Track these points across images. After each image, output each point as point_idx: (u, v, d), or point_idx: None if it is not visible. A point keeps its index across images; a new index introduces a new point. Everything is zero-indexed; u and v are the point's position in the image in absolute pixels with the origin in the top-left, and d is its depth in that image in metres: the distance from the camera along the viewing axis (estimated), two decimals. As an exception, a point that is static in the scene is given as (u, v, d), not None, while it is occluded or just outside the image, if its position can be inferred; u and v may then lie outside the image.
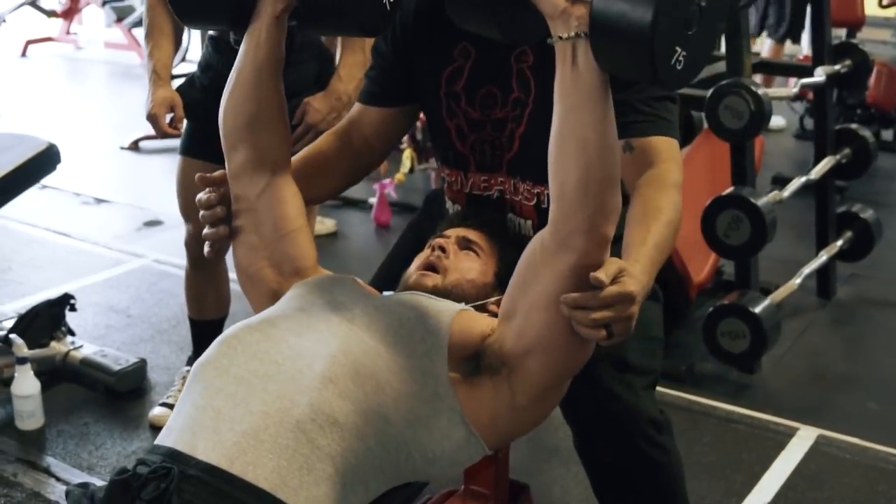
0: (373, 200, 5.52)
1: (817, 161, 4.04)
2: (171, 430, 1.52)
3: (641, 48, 1.33)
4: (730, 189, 3.39)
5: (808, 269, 3.86)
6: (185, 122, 2.86)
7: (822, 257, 4.02)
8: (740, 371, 3.56)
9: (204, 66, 2.86)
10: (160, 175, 5.82)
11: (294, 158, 1.98)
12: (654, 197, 1.75)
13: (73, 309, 3.52)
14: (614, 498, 2.11)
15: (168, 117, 2.80)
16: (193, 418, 1.50)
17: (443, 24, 1.90)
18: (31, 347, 3.31)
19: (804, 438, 3.13)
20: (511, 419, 1.64)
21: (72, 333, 3.54)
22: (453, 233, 1.90)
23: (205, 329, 3.12)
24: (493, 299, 1.82)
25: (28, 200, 5.44)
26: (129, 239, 4.92)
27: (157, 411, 3.16)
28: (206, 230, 1.82)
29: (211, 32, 2.81)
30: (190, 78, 2.92)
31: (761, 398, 3.42)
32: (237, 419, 1.46)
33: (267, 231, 1.78)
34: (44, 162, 3.29)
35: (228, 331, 1.64)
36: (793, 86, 3.61)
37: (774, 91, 3.38)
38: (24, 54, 10.16)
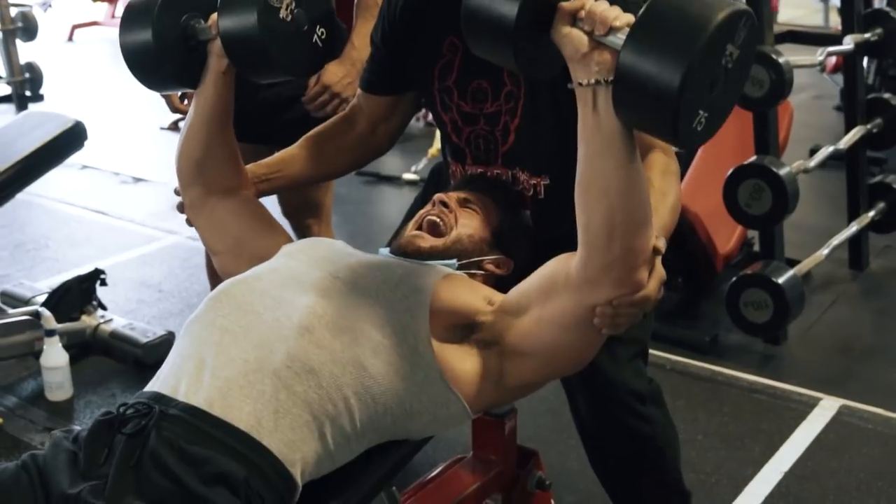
0: (407, 176, 5.56)
1: (848, 131, 3.99)
2: (158, 377, 1.58)
3: (666, 112, 1.28)
4: (752, 158, 3.36)
5: (836, 241, 3.82)
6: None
7: (853, 228, 3.97)
8: (765, 342, 3.54)
9: None
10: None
11: (303, 138, 2.08)
12: (657, 181, 1.71)
13: (103, 284, 3.59)
14: (602, 466, 2.16)
15: (181, 95, 2.87)
16: (178, 366, 1.55)
17: (430, 20, 1.92)
18: (62, 321, 3.39)
19: (826, 409, 3.11)
20: (494, 393, 1.66)
21: (103, 307, 3.61)
22: (454, 193, 1.91)
23: None
24: (489, 258, 1.84)
25: (68, 180, 5.58)
26: (165, 216, 4.98)
27: None
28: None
29: None
30: None
31: (785, 369, 3.40)
32: (220, 366, 1.51)
33: (230, 235, 1.89)
34: (71, 139, 3.33)
35: (218, 287, 1.70)
36: (819, 54, 3.55)
37: (797, 59, 3.32)
38: (70, 38, 10.33)
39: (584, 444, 2.16)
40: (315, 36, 1.82)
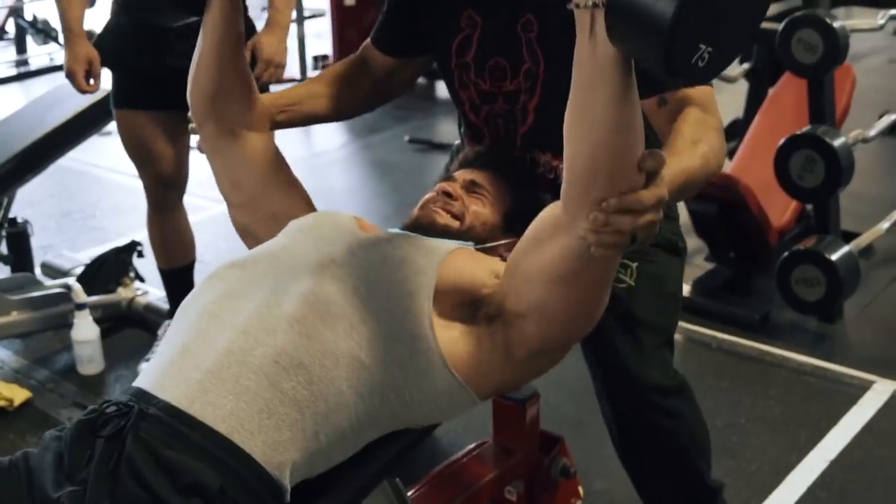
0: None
1: (914, 97, 3.79)
2: (146, 369, 1.51)
3: (658, 43, 1.14)
4: (805, 128, 3.19)
5: (898, 213, 3.63)
6: (109, 73, 2.91)
7: (917, 200, 3.78)
8: (819, 320, 3.38)
9: (115, 10, 2.86)
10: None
11: (320, 75, 2.01)
12: (688, 130, 1.57)
13: (140, 255, 3.58)
14: (624, 458, 2.09)
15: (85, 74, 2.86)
16: (165, 356, 1.48)
17: None
18: (98, 293, 3.37)
19: (879, 392, 2.95)
20: (505, 371, 1.56)
21: (140, 279, 3.59)
22: (460, 175, 1.81)
23: (176, 277, 3.19)
24: (503, 242, 1.73)
25: (120, 147, 5.56)
26: (213, 185, 4.92)
27: (142, 366, 3.15)
28: None
29: None
30: (106, 26, 2.93)
31: (839, 349, 3.25)
32: (202, 357, 1.43)
33: (247, 189, 1.81)
34: (102, 110, 3.27)
35: (214, 269, 1.62)
36: (880, 17, 3.36)
37: (854, 23, 3.15)
38: None
39: (609, 434, 2.08)
40: None
